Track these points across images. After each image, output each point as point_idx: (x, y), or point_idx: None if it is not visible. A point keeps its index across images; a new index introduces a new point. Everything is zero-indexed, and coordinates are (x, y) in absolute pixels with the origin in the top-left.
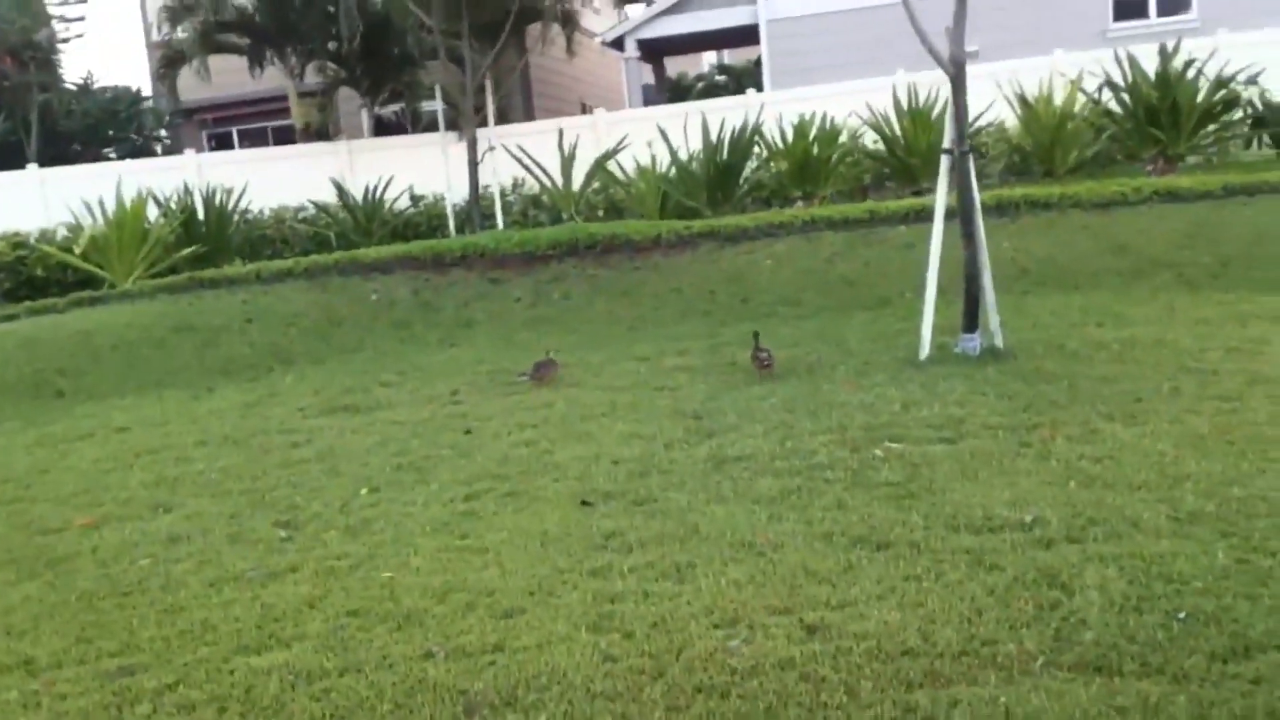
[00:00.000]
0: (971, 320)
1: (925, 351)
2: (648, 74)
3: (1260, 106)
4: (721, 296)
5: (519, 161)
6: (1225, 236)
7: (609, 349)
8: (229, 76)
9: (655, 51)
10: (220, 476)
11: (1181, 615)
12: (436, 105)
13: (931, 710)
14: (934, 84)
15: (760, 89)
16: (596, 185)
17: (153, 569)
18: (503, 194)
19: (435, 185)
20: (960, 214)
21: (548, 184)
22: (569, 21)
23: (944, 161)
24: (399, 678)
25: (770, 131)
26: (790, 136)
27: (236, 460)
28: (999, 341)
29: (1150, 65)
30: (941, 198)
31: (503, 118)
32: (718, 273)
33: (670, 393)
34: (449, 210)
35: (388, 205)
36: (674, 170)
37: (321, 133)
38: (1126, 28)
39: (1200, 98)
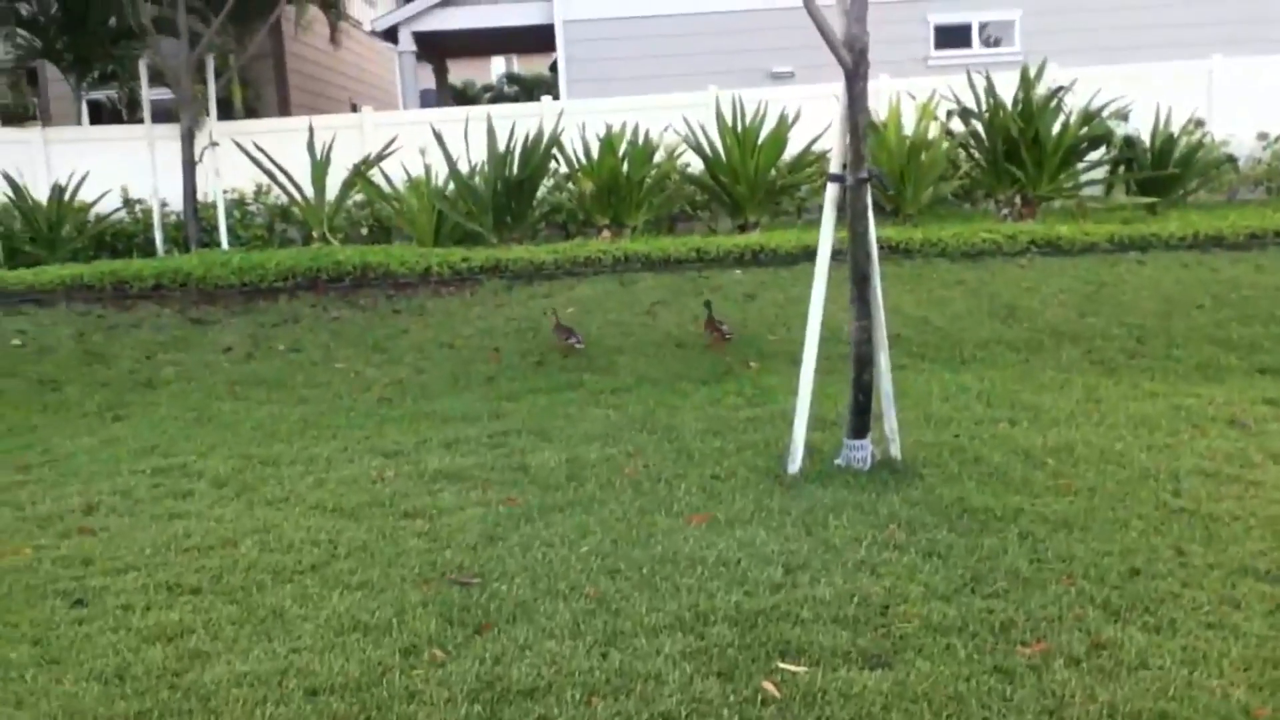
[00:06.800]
0: (862, 421)
1: (797, 463)
2: (427, 77)
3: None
4: (509, 356)
5: (256, 163)
6: (1131, 303)
7: (346, 435)
8: None
9: (435, 49)
10: None
11: None
12: (160, 91)
13: None
14: (760, 100)
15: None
16: (360, 198)
17: None
18: (241, 203)
19: (148, 187)
20: (852, 269)
21: (295, 194)
22: (332, 4)
23: (830, 191)
24: None
25: (573, 145)
26: (596, 152)
27: None
28: (895, 450)
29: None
30: (827, 239)
31: (251, 113)
32: (504, 322)
33: (426, 522)
34: (156, 220)
35: (88, 209)
36: (452, 185)
37: (19, 115)
38: (948, 56)
39: (1065, 132)
